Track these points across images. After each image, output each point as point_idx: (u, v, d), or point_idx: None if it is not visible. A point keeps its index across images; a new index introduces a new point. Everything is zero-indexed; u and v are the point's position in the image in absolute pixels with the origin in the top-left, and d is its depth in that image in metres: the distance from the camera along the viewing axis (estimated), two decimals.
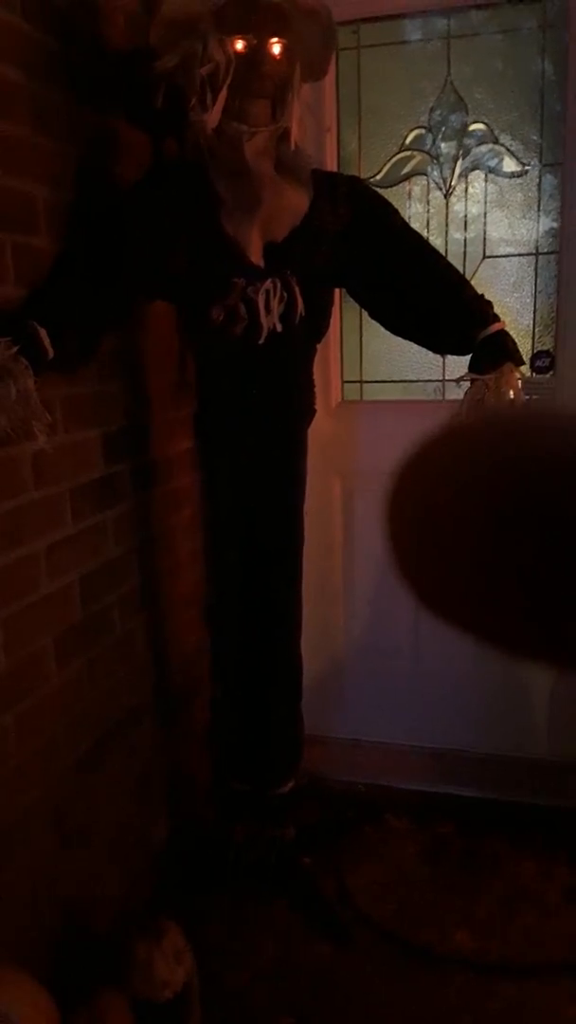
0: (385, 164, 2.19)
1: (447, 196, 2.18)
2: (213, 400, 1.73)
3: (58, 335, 1.31)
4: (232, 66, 1.42)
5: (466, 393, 1.59)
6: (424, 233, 2.10)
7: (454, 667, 2.23)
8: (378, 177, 2.20)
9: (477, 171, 2.14)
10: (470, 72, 2.09)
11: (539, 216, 2.12)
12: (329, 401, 2.29)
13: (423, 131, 2.15)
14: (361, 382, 2.35)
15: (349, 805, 2.24)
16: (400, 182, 2.19)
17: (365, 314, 1.75)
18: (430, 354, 1.97)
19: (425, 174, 2.18)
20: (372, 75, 2.16)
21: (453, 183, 2.16)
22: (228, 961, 1.72)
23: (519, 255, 2.16)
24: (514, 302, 2.18)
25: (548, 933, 1.79)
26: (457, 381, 1.64)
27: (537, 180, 2.10)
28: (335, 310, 1.82)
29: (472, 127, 2.11)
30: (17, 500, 1.36)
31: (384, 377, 2.33)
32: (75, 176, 1.47)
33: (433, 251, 1.67)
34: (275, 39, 1.44)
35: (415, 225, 1.86)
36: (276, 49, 1.45)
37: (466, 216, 2.18)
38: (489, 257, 2.18)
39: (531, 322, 2.17)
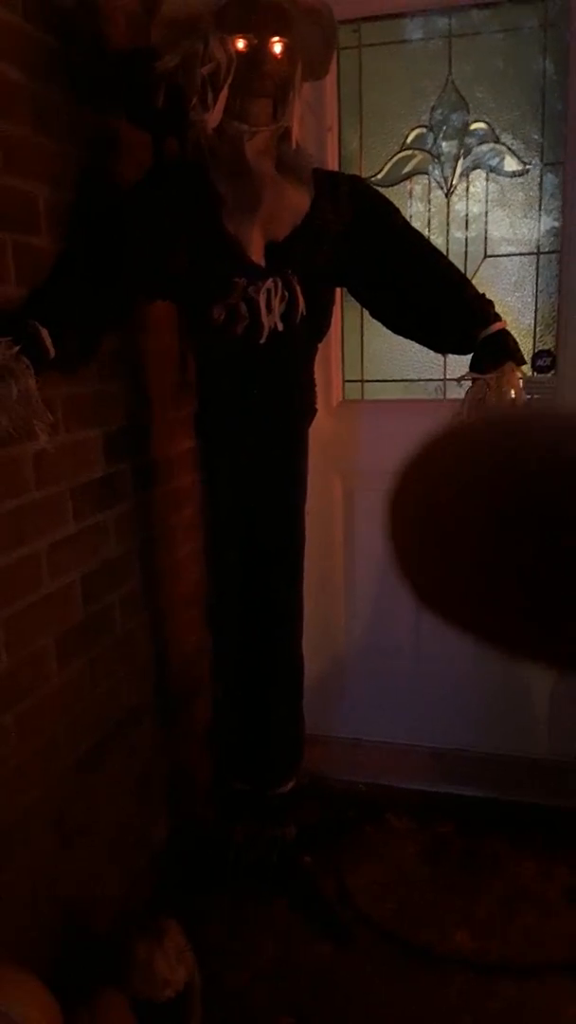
0: (386, 163, 2.19)
1: (448, 195, 2.17)
2: (214, 400, 1.73)
3: (59, 335, 1.31)
4: (233, 65, 1.42)
5: (467, 392, 1.58)
6: (425, 232, 2.10)
7: (455, 667, 2.23)
8: (379, 176, 2.19)
9: (478, 170, 2.14)
10: (471, 71, 2.08)
11: (540, 215, 2.12)
12: (330, 400, 2.28)
13: (424, 130, 2.15)
14: (362, 381, 2.35)
15: (350, 805, 2.24)
16: (401, 181, 2.19)
17: (366, 313, 1.75)
18: (431, 353, 1.97)
19: (426, 173, 2.17)
20: (373, 74, 2.16)
21: (454, 182, 2.16)
22: (228, 961, 1.72)
23: (520, 254, 2.16)
24: (515, 301, 2.17)
25: (548, 933, 1.79)
26: (458, 380, 1.64)
27: (538, 179, 2.10)
28: (336, 309, 1.82)
29: (473, 126, 2.11)
30: (19, 500, 1.36)
31: (385, 376, 2.33)
32: (76, 176, 1.47)
33: (434, 250, 1.67)
34: (276, 38, 1.44)
35: (416, 224, 1.86)
36: (277, 48, 1.45)
37: (467, 215, 2.18)
38: (490, 256, 2.18)
39: (532, 321, 2.17)
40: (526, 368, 1.66)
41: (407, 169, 2.19)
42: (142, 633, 1.82)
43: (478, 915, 1.85)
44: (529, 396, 1.71)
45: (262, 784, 1.93)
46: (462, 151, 2.13)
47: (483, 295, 1.62)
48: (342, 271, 1.67)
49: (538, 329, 2.17)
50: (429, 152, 2.16)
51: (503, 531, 0.47)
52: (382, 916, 1.86)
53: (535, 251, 2.14)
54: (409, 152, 2.18)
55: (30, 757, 1.42)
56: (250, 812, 1.96)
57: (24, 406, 1.23)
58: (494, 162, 2.12)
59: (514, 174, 2.11)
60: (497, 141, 2.10)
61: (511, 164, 2.11)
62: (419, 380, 2.29)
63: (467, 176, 2.15)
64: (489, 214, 2.16)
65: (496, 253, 2.18)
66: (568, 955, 1.73)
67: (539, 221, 2.13)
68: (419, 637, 2.33)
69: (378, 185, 2.10)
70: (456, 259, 1.95)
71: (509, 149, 2.10)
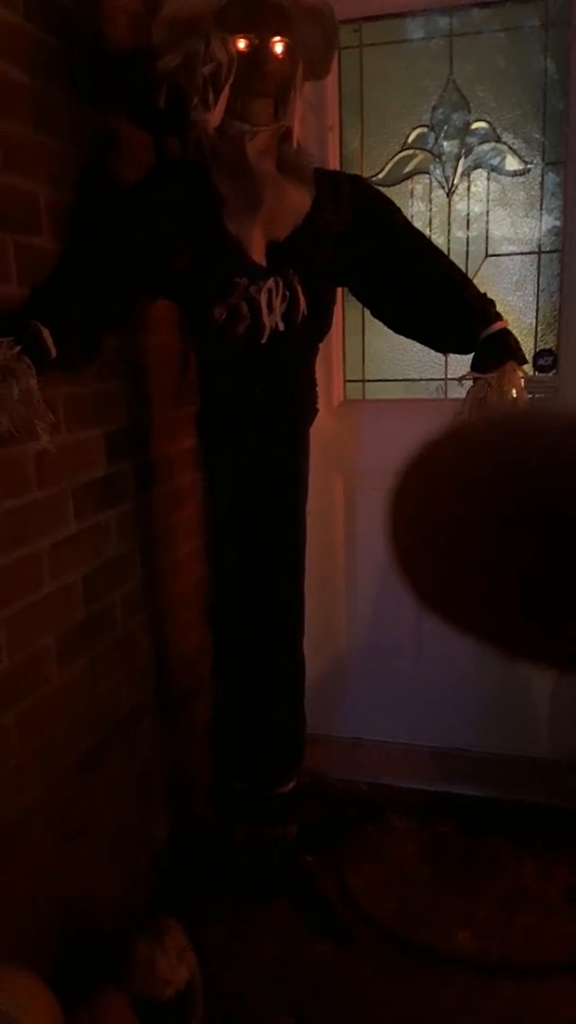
0: (387, 163, 2.19)
1: (449, 195, 2.17)
2: (215, 399, 1.73)
3: (60, 334, 1.31)
4: (234, 65, 1.42)
5: (469, 392, 1.58)
6: (426, 232, 2.10)
7: (456, 666, 2.23)
8: (380, 176, 2.19)
9: (479, 169, 2.14)
10: (472, 70, 2.08)
11: (541, 214, 2.12)
12: (331, 400, 2.28)
13: (425, 129, 2.15)
14: (363, 381, 2.35)
15: (350, 804, 2.24)
16: (402, 181, 2.19)
17: (367, 313, 1.75)
18: (432, 353, 1.97)
19: (427, 172, 2.17)
20: (374, 74, 2.16)
21: (455, 181, 2.16)
22: (228, 961, 1.72)
23: (521, 254, 2.16)
24: (517, 301, 2.17)
25: (548, 933, 1.79)
26: (460, 380, 1.64)
27: (539, 178, 2.10)
28: (337, 309, 1.82)
29: (474, 125, 2.11)
30: (20, 499, 1.36)
31: (386, 376, 2.33)
32: (77, 175, 1.47)
33: (435, 250, 1.67)
34: (277, 38, 1.44)
35: (417, 224, 1.86)
36: (278, 48, 1.45)
37: (468, 215, 2.18)
38: (491, 256, 2.18)
39: (534, 321, 2.17)
40: (527, 367, 1.66)
41: (408, 168, 2.19)
42: (143, 633, 1.82)
43: (478, 915, 1.85)
44: (531, 395, 1.71)
45: (263, 784, 1.93)
46: (463, 150, 2.13)
47: (484, 294, 1.62)
48: (343, 271, 1.67)
49: (539, 328, 2.17)
50: (430, 151, 2.16)
51: (504, 531, 0.47)
52: (382, 916, 1.86)
53: (536, 250, 2.14)
54: (410, 151, 2.17)
55: (30, 757, 1.42)
56: (251, 812, 1.96)
57: (25, 406, 1.23)
58: (495, 161, 2.12)
59: (515, 173, 2.11)
60: (498, 140, 2.10)
61: (512, 163, 2.11)
62: (420, 380, 2.29)
63: (468, 175, 2.15)
64: (490, 213, 2.16)
65: (497, 252, 2.18)
66: (568, 955, 1.73)
67: (540, 220, 2.13)
68: (420, 637, 2.33)
69: (379, 184, 2.10)
70: (457, 258, 1.95)
71: (510, 148, 2.10)
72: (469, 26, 2.07)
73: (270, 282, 1.56)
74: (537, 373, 2.15)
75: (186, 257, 1.56)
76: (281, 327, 1.58)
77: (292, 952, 1.77)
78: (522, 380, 1.55)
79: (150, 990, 1.44)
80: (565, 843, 2.04)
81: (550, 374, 2.16)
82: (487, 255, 2.18)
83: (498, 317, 1.59)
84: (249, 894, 1.91)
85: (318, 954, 1.77)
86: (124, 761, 1.74)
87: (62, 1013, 1.26)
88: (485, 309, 1.59)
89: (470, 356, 1.60)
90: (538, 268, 2.15)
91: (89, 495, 1.57)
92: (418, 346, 1.77)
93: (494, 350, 1.56)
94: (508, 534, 0.46)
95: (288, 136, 1.52)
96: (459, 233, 2.19)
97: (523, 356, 1.57)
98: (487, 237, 2.17)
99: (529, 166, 2.09)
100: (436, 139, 2.14)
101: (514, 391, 1.53)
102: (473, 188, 2.16)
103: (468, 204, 2.17)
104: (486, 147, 2.12)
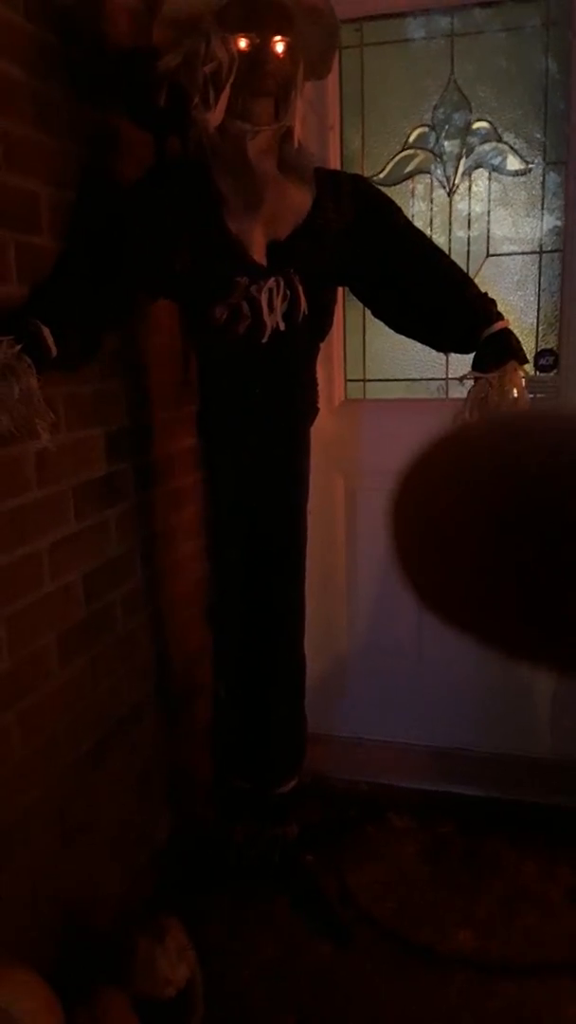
0: (388, 162, 2.19)
1: (450, 194, 2.17)
2: (215, 399, 1.73)
3: (61, 333, 1.31)
4: (235, 64, 1.42)
5: (470, 392, 1.58)
6: (427, 231, 2.10)
7: (456, 666, 2.23)
8: (381, 175, 2.19)
9: (480, 169, 2.14)
10: (473, 70, 2.08)
11: (543, 214, 2.12)
12: (332, 399, 2.28)
13: (426, 129, 2.14)
14: (364, 380, 2.34)
15: (351, 804, 2.24)
16: (403, 180, 2.19)
17: (368, 312, 1.75)
18: (433, 352, 1.96)
19: (428, 172, 2.17)
20: (375, 73, 2.16)
21: (456, 181, 2.16)
22: (228, 961, 1.72)
23: (523, 253, 2.16)
24: (518, 300, 2.17)
25: (549, 933, 1.79)
26: (461, 379, 1.64)
27: (541, 178, 2.10)
28: (338, 308, 1.82)
29: (475, 125, 2.11)
30: (20, 498, 1.37)
31: (387, 375, 2.33)
32: (77, 174, 1.47)
33: (436, 249, 1.67)
34: (278, 37, 1.44)
35: (418, 223, 1.86)
36: (279, 47, 1.44)
37: (469, 214, 2.18)
38: (493, 255, 2.18)
39: (535, 320, 2.17)
40: (529, 367, 1.66)
41: (409, 168, 2.18)
42: (143, 632, 1.82)
43: (479, 915, 1.85)
44: (532, 395, 1.71)
45: (263, 783, 1.93)
46: (464, 150, 2.13)
47: (485, 294, 1.62)
48: (344, 270, 1.67)
49: (540, 328, 2.17)
50: (431, 151, 2.16)
51: (504, 534, 0.47)
52: (383, 915, 1.86)
53: (537, 250, 2.14)
54: (411, 151, 2.17)
55: (31, 755, 1.42)
56: (251, 811, 1.96)
57: (26, 405, 1.24)
58: (496, 161, 2.12)
59: (516, 173, 2.11)
60: (499, 140, 2.10)
61: (513, 163, 2.10)
62: (421, 379, 2.29)
63: (469, 175, 2.15)
64: (491, 213, 2.16)
65: (498, 252, 2.17)
66: (569, 955, 1.73)
67: (541, 220, 2.13)
68: (421, 637, 2.33)
69: (380, 184, 2.10)
70: (458, 258, 1.95)
71: (511, 148, 2.09)
72: (470, 26, 2.07)
73: (271, 281, 1.55)
74: (538, 373, 2.15)
75: (187, 256, 1.55)
76: (282, 327, 1.58)
77: (292, 952, 1.77)
78: (523, 380, 1.55)
79: (151, 989, 1.44)
80: (566, 843, 2.04)
81: (551, 374, 2.16)
82: (488, 255, 2.18)
83: (499, 317, 1.59)
84: (249, 894, 1.91)
85: (318, 954, 1.77)
86: (125, 759, 1.74)
87: (62, 1012, 1.26)
88: (486, 309, 1.59)
89: (471, 356, 1.60)
90: (539, 268, 2.15)
91: (89, 494, 1.57)
92: (419, 346, 1.77)
93: (495, 350, 1.55)
94: (508, 536, 0.46)
95: (289, 135, 1.52)
96: (460, 233, 2.19)
97: (524, 356, 1.57)
98: (488, 237, 2.17)
99: (530, 166, 2.09)
100: (437, 139, 2.14)
101: (515, 391, 1.53)
102: (474, 188, 2.16)
103: (469, 204, 2.17)
104: (487, 147, 2.11)
